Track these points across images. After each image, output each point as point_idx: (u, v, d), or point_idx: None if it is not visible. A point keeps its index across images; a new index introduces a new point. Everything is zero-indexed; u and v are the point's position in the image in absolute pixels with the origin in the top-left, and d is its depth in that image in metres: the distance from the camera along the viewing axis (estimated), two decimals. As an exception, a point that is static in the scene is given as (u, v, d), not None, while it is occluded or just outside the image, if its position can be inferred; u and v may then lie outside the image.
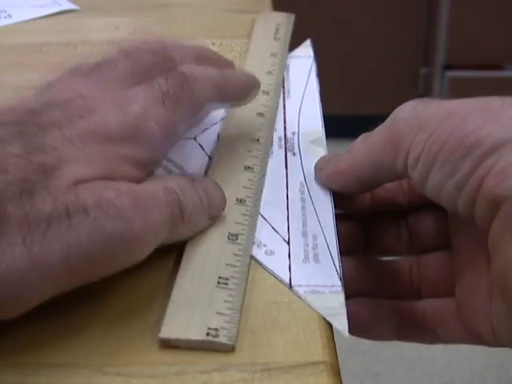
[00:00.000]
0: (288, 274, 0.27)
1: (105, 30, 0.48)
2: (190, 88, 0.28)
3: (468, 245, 0.31)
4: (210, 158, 0.33)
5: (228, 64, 0.33)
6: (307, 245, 0.28)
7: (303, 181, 0.32)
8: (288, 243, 0.28)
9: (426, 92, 1.54)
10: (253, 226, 0.29)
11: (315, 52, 0.44)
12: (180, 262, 0.26)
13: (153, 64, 0.29)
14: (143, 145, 0.26)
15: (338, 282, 0.26)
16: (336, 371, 0.23)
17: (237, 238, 0.28)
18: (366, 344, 1.18)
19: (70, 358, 0.23)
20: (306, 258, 0.28)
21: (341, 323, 0.25)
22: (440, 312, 0.32)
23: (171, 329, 0.24)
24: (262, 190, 0.31)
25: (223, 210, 0.28)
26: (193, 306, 0.24)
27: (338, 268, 0.27)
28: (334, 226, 0.29)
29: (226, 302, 0.25)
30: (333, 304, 0.25)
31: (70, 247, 0.22)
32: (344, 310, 0.25)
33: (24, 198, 0.22)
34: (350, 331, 0.25)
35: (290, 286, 0.26)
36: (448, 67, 1.52)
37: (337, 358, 0.24)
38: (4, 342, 0.23)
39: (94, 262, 0.23)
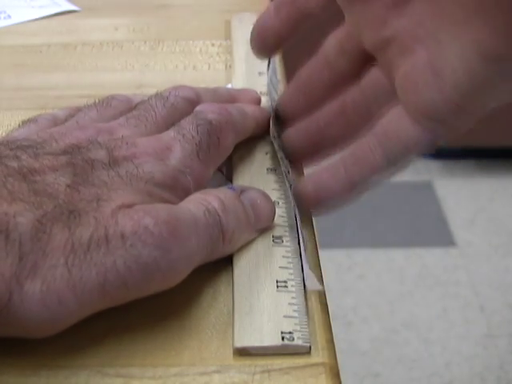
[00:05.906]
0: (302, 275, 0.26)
1: (104, 31, 0.48)
2: (216, 138, 0.29)
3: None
4: (221, 171, 0.32)
5: (253, 99, 0.35)
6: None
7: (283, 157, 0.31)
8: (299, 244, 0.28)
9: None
10: (293, 227, 0.29)
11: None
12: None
13: (187, 113, 0.30)
14: (179, 193, 0.27)
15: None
16: (335, 372, 0.23)
17: (282, 241, 0.28)
18: (365, 345, 1.18)
19: (69, 360, 0.23)
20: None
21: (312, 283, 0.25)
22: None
23: (245, 337, 0.23)
24: (289, 190, 0.31)
25: (272, 221, 0.28)
26: (259, 312, 0.24)
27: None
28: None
29: (291, 304, 0.25)
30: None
31: (106, 273, 0.22)
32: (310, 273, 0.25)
33: (71, 219, 0.22)
34: None
35: (304, 287, 0.26)
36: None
37: (336, 360, 0.24)
38: (4, 343, 0.23)
39: (128, 288, 0.23)
